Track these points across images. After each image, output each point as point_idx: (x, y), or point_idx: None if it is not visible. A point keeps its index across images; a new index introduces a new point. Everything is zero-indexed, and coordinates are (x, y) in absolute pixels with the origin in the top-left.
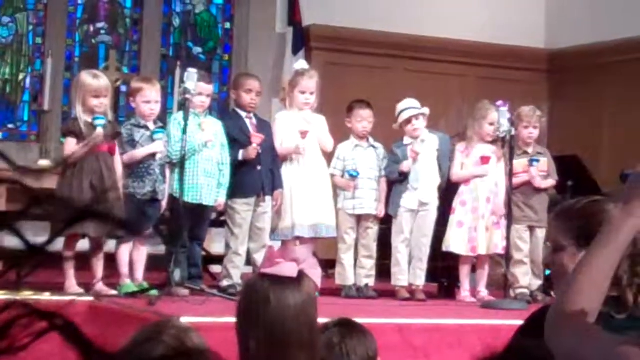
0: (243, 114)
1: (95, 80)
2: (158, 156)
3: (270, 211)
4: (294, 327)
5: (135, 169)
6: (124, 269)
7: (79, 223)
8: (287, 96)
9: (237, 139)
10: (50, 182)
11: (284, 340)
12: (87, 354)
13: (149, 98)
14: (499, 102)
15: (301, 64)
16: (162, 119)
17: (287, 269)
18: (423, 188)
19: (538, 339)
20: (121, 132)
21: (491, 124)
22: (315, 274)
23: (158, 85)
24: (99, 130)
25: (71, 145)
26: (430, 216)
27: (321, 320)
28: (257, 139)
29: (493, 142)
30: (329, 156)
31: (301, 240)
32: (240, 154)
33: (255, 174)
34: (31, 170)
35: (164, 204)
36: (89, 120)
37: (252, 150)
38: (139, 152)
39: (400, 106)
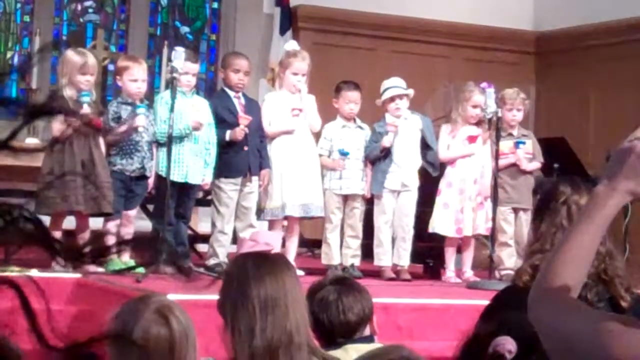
0: (231, 93)
1: (82, 57)
2: (140, 129)
3: (257, 191)
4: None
5: (123, 146)
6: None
7: (36, 118)
8: (277, 77)
9: (225, 119)
10: (37, 160)
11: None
12: (50, 247)
13: (136, 76)
14: (484, 84)
15: (292, 44)
16: (150, 98)
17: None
18: (405, 168)
19: (502, 319)
20: (107, 109)
21: (475, 107)
22: (275, 240)
23: (144, 64)
24: (86, 107)
25: (59, 122)
26: (412, 196)
27: None
28: (244, 120)
29: (478, 124)
30: (316, 136)
31: (290, 220)
32: (227, 135)
33: (242, 154)
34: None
35: (151, 181)
36: (75, 97)
37: (239, 132)
38: (122, 129)
39: (386, 83)
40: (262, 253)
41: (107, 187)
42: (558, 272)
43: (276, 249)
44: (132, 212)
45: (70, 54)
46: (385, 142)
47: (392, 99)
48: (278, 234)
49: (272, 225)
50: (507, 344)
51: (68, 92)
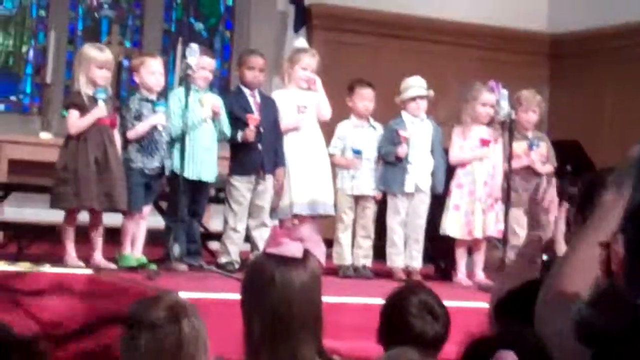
0: (247, 91)
1: (101, 52)
2: (159, 127)
3: (271, 189)
4: (300, 307)
5: (144, 144)
6: (128, 240)
7: None
8: (285, 72)
9: (239, 117)
10: (51, 155)
11: (289, 320)
12: None
13: (153, 69)
14: (492, 83)
15: (301, 42)
16: (164, 94)
17: (293, 249)
18: (418, 171)
19: (516, 318)
20: (126, 105)
21: (484, 105)
22: (320, 251)
23: (160, 58)
24: (101, 104)
25: (74, 118)
26: (425, 198)
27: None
28: (253, 120)
29: (489, 124)
30: (327, 135)
31: (299, 219)
32: (239, 137)
33: (255, 152)
34: None
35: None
36: (91, 93)
37: (249, 133)
38: (142, 126)
39: (408, 81)
40: (282, 257)
41: (120, 184)
42: (566, 282)
43: (310, 242)
44: (147, 209)
45: (88, 49)
46: (400, 152)
47: (413, 99)
48: (312, 226)
49: (282, 224)
50: (509, 359)
51: (84, 89)
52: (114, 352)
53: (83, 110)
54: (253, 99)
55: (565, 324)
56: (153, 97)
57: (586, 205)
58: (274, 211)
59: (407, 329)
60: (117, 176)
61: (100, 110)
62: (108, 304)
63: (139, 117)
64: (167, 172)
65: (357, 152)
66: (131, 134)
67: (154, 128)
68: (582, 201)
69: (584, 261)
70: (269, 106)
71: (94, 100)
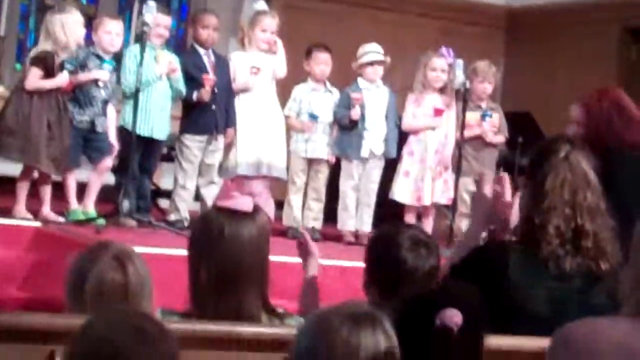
0: (201, 50)
1: (77, 12)
2: (100, 84)
3: (221, 149)
4: (247, 260)
5: (78, 95)
6: (71, 195)
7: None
8: (245, 35)
9: (194, 76)
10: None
11: (236, 273)
12: None
13: (109, 29)
14: (442, 49)
15: (261, 4)
16: (119, 53)
17: (243, 203)
18: (374, 136)
19: (468, 278)
20: (75, 56)
21: (433, 70)
22: (269, 207)
23: (120, 21)
24: (65, 74)
25: (35, 76)
26: (379, 164)
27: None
28: (209, 81)
29: (442, 91)
30: (283, 98)
31: (248, 178)
32: (194, 96)
33: (209, 112)
34: None
35: (113, 136)
36: (62, 59)
37: (205, 93)
38: (83, 76)
39: (365, 47)
40: (232, 211)
41: (64, 149)
42: None
43: (259, 197)
44: (104, 163)
45: (72, 14)
46: (353, 114)
47: (371, 64)
48: (264, 182)
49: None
50: (455, 317)
51: (59, 52)
52: (59, 299)
53: (50, 73)
54: (207, 58)
55: None
56: (107, 54)
57: (535, 172)
58: (221, 170)
59: (398, 264)
60: (67, 142)
61: (63, 80)
62: (54, 256)
63: (82, 68)
64: (99, 130)
65: (313, 117)
66: (70, 79)
67: (94, 83)
68: (531, 168)
69: None
70: (222, 66)
71: (60, 67)
